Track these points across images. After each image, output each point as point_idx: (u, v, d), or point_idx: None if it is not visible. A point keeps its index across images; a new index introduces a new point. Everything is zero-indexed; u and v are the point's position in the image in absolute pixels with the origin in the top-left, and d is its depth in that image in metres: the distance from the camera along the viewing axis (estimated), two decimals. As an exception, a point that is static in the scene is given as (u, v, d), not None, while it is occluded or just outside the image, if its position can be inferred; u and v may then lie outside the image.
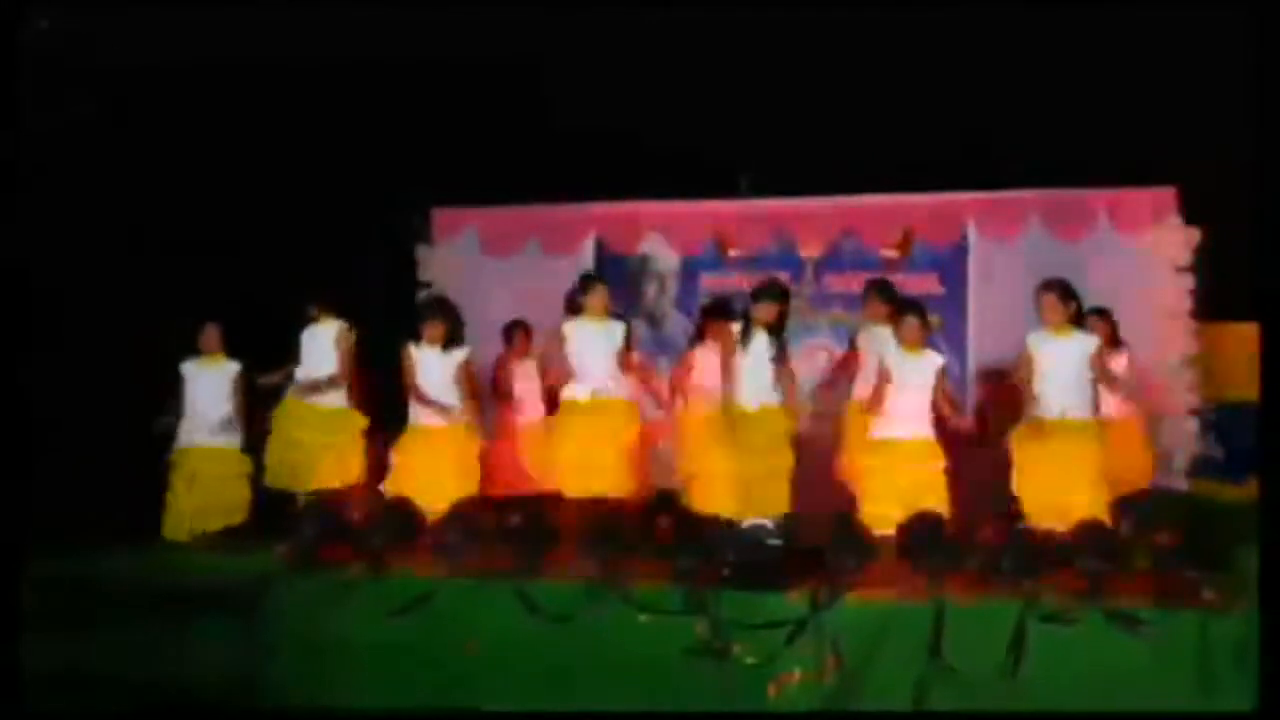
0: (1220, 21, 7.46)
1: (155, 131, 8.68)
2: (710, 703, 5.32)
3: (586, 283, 6.88)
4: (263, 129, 9.02)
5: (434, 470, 6.67)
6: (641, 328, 9.36)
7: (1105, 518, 5.88)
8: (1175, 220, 8.50)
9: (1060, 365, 6.11)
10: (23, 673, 5.37)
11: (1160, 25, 8.32)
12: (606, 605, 5.53)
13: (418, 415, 6.85)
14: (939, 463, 6.26)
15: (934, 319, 8.90)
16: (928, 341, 6.58)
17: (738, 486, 6.27)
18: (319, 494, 6.91)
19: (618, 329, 6.76)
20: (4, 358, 5.73)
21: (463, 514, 6.48)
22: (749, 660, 5.30)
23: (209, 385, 7.13)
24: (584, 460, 6.50)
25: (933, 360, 6.44)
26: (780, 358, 6.46)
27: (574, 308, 6.84)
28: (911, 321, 6.41)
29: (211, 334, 7.16)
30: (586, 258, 9.56)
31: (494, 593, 5.70)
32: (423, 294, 8.59)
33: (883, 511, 6.09)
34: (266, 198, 9.12)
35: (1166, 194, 8.54)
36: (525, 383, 8.17)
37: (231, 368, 7.16)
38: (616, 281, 9.44)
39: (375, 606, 5.81)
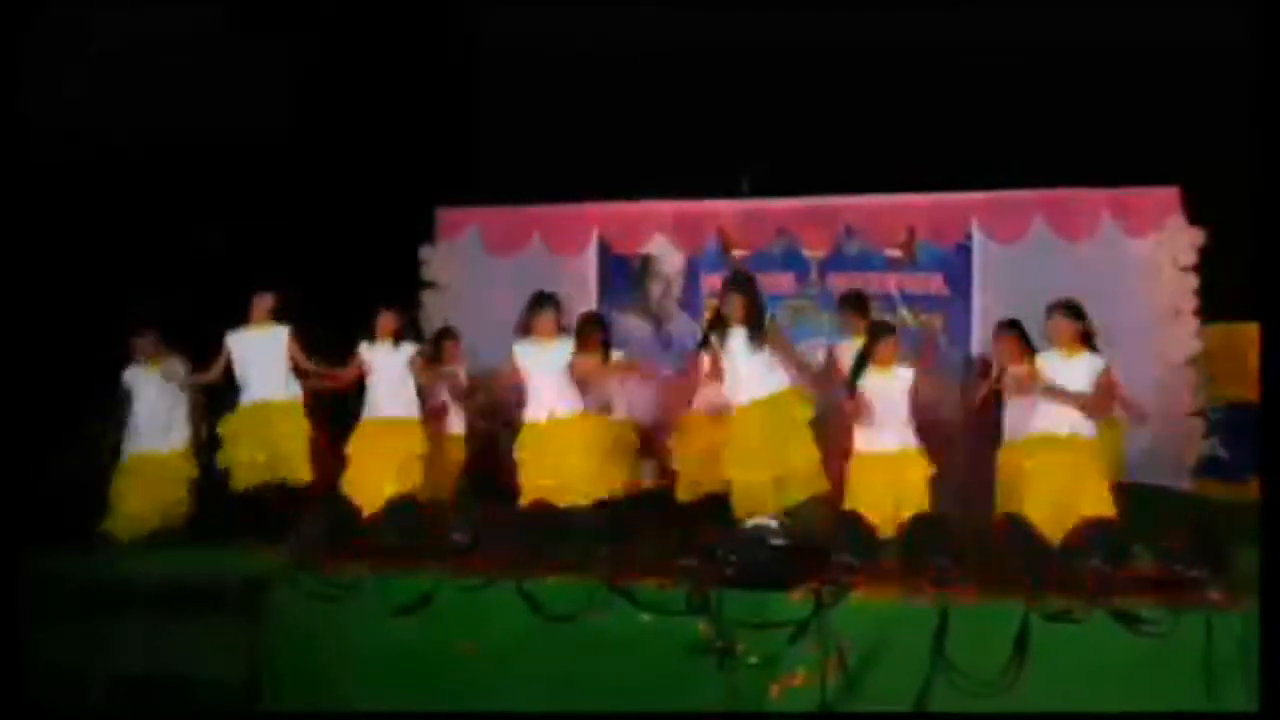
0: (1224, 20, 7.45)
1: (152, 130, 8.69)
2: (713, 703, 5.31)
3: (534, 304, 6.73)
4: (262, 128, 9.03)
5: (382, 463, 6.77)
6: (646, 327, 9.40)
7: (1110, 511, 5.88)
8: (1179, 220, 8.50)
9: (1069, 385, 6.06)
10: (25, 670, 5.38)
11: (1164, 25, 8.31)
12: (609, 605, 5.52)
13: (373, 409, 6.96)
14: (921, 472, 6.14)
15: (936, 318, 8.99)
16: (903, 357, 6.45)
17: (750, 487, 6.29)
18: (321, 493, 6.97)
19: (565, 347, 6.66)
20: (4, 357, 5.75)
21: (467, 513, 6.50)
22: (752, 660, 5.30)
23: (153, 390, 7.21)
24: (551, 475, 6.51)
25: (904, 377, 6.30)
26: (759, 346, 6.34)
27: (524, 329, 6.72)
28: (888, 341, 6.32)
29: (149, 339, 7.24)
30: (590, 257, 9.58)
31: (496, 593, 5.70)
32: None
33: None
34: (269, 197, 9.14)
35: (1170, 194, 8.54)
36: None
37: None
38: (620, 281, 9.50)
39: (377, 606, 5.80)
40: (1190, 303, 8.46)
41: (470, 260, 9.63)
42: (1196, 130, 8.37)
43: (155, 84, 8.57)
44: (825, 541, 5.89)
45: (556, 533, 6.29)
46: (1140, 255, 8.58)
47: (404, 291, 9.36)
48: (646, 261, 9.68)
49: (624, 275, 9.56)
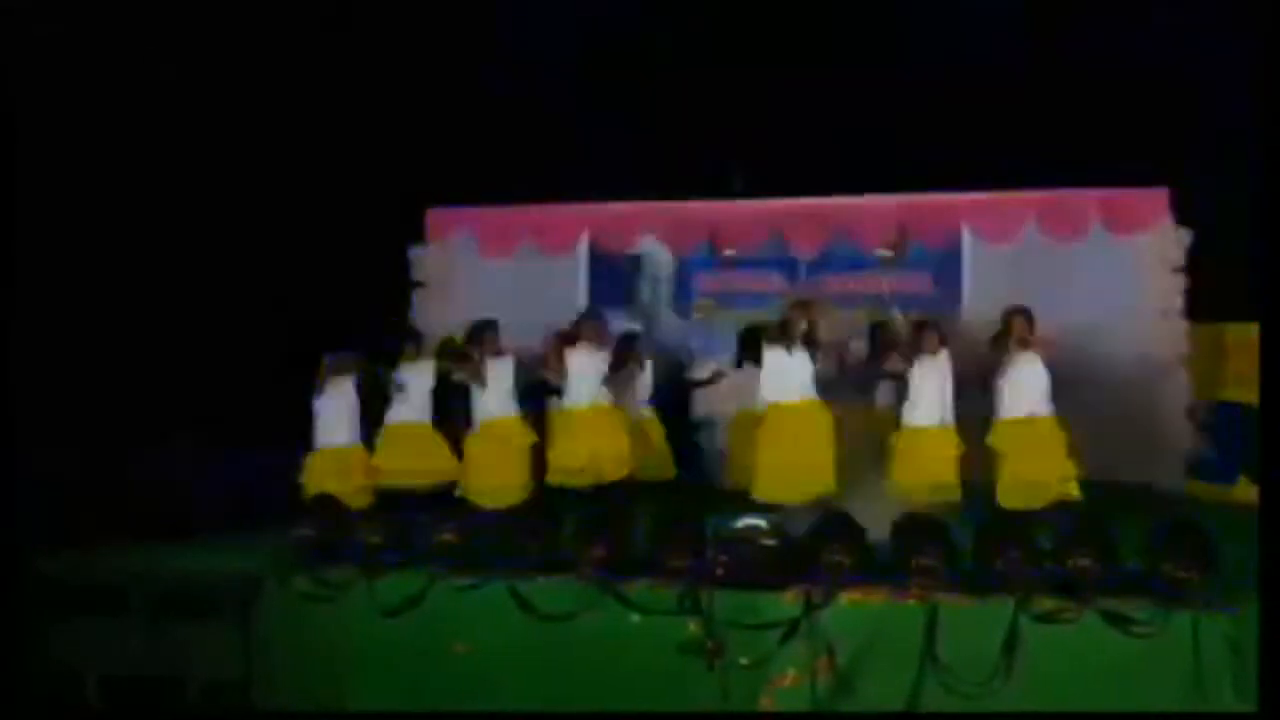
0: (1215, 23, 7.48)
1: (149, 129, 8.66)
2: (703, 703, 5.31)
3: (580, 320, 7.96)
4: (256, 128, 9.01)
5: (501, 463, 7.60)
6: (635, 327, 9.38)
7: (1076, 493, 6.78)
8: (1168, 221, 8.51)
9: (1025, 376, 6.99)
10: (23, 669, 5.36)
11: (1155, 27, 8.34)
12: (600, 605, 5.52)
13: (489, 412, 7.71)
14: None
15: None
16: None
17: (782, 473, 7.12)
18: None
19: (602, 357, 7.80)
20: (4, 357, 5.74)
21: (458, 512, 6.50)
22: (742, 661, 5.29)
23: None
24: (590, 453, 7.50)
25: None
26: (810, 357, 7.35)
27: (571, 339, 7.81)
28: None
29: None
30: (581, 257, 9.56)
31: (488, 593, 5.69)
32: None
33: None
34: (261, 198, 9.12)
35: (1160, 195, 8.56)
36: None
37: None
38: (611, 281, 9.49)
39: (369, 607, 5.79)
40: (1179, 303, 8.48)
41: (461, 260, 9.61)
42: (1185, 133, 8.40)
43: (147, 81, 8.55)
44: (815, 541, 5.88)
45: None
46: (1129, 256, 8.60)
47: (394, 292, 9.37)
48: (636, 262, 9.67)
49: (614, 275, 9.55)
